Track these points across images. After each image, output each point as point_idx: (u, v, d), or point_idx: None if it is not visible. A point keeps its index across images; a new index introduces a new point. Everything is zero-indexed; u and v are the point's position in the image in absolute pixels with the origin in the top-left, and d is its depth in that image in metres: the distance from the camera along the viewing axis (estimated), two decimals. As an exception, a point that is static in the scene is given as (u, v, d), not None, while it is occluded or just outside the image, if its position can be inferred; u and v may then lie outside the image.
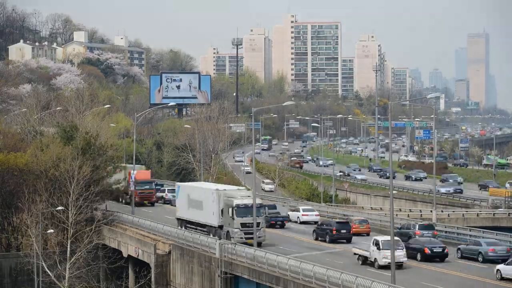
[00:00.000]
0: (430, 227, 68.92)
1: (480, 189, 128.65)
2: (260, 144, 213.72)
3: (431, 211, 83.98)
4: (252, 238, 60.02)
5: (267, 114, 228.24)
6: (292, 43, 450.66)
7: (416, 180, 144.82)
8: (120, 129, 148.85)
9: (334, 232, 66.57)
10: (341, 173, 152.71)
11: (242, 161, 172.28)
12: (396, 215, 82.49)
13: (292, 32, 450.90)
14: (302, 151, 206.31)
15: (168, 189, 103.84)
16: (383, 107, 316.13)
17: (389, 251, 48.83)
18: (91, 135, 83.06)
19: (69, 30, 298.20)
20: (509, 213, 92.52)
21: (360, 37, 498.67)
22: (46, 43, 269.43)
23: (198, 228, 67.44)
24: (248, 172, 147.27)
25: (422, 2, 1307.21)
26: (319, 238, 67.80)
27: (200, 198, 67.94)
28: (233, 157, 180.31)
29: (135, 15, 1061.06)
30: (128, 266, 73.70)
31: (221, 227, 64.19)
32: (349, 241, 66.77)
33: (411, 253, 57.40)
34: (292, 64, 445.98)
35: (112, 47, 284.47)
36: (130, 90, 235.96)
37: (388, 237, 54.40)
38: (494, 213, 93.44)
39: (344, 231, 67.31)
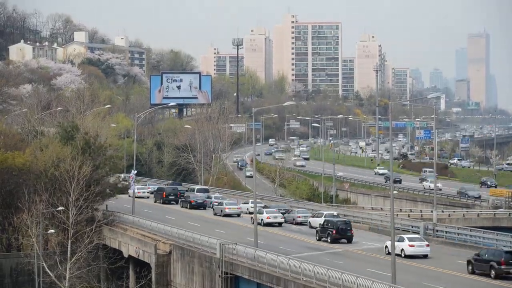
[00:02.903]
0: (205, 190, 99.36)
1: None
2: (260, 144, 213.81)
3: (432, 211, 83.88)
4: None
5: (268, 114, 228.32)
6: (292, 43, 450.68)
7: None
8: (121, 129, 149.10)
9: None
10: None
11: (241, 162, 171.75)
12: (397, 215, 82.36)
13: (292, 32, 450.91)
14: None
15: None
16: (383, 107, 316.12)
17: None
18: (90, 135, 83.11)
19: (70, 30, 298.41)
20: (509, 213, 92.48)
21: (361, 37, 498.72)
22: (46, 43, 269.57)
23: None
24: (249, 176, 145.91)
25: (423, 2, 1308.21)
26: None
27: None
28: (233, 159, 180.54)
29: (136, 15, 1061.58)
30: (128, 266, 73.68)
31: None
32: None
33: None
34: (292, 64, 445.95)
35: (112, 47, 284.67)
36: (131, 90, 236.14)
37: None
38: (494, 213, 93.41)
39: None
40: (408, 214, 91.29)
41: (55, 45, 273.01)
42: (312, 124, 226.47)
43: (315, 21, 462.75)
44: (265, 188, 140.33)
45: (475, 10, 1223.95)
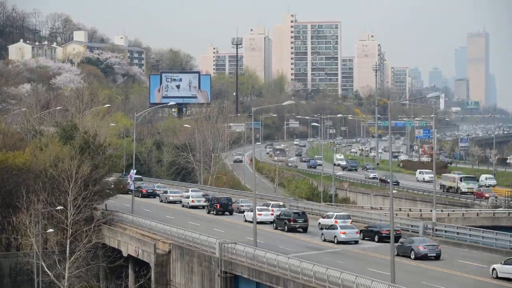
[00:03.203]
0: (139, 179, 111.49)
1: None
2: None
3: (431, 210, 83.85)
4: None
5: (267, 114, 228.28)
6: (292, 42, 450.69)
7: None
8: (120, 128, 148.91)
9: None
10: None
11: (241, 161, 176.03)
12: (396, 214, 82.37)
13: (292, 32, 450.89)
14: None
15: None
16: (383, 106, 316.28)
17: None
18: (89, 135, 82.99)
19: (69, 29, 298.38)
20: (509, 213, 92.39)
21: (360, 36, 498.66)
22: (46, 42, 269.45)
23: None
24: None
25: (422, 1, 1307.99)
26: None
27: None
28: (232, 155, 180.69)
29: (135, 15, 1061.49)
30: (128, 266, 73.63)
31: None
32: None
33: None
34: (292, 63, 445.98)
35: (112, 46, 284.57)
36: (130, 90, 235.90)
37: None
38: (494, 213, 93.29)
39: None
40: (408, 214, 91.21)
41: (54, 45, 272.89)
42: (312, 124, 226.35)
43: (314, 20, 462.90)
44: (264, 187, 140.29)
45: (475, 9, 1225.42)
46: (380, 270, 51.09)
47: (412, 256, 58.45)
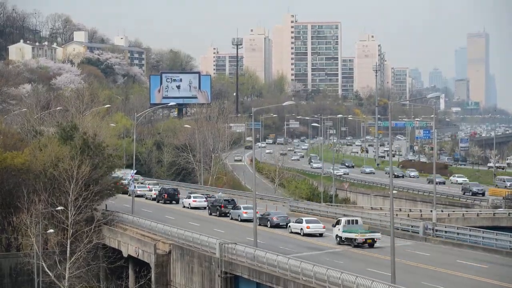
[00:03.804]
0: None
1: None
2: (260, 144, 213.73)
3: (431, 211, 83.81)
4: None
5: (267, 114, 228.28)
6: (292, 43, 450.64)
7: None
8: (120, 129, 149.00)
9: None
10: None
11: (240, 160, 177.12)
12: (396, 215, 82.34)
13: (292, 32, 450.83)
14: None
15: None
16: (383, 107, 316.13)
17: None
18: (88, 135, 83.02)
19: (69, 30, 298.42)
20: (509, 213, 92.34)
21: (360, 37, 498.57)
22: (46, 43, 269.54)
23: None
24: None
25: (422, 1, 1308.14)
26: None
27: None
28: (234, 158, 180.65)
29: (135, 15, 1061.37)
30: (128, 266, 73.67)
31: None
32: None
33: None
34: (292, 64, 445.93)
35: (112, 47, 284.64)
36: (130, 90, 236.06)
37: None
38: (494, 213, 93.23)
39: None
40: (408, 214, 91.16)
41: (54, 45, 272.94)
42: (312, 124, 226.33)
43: (314, 21, 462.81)
44: (265, 188, 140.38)
45: (475, 10, 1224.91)
46: (380, 270, 51.12)
47: (269, 225, 74.95)
